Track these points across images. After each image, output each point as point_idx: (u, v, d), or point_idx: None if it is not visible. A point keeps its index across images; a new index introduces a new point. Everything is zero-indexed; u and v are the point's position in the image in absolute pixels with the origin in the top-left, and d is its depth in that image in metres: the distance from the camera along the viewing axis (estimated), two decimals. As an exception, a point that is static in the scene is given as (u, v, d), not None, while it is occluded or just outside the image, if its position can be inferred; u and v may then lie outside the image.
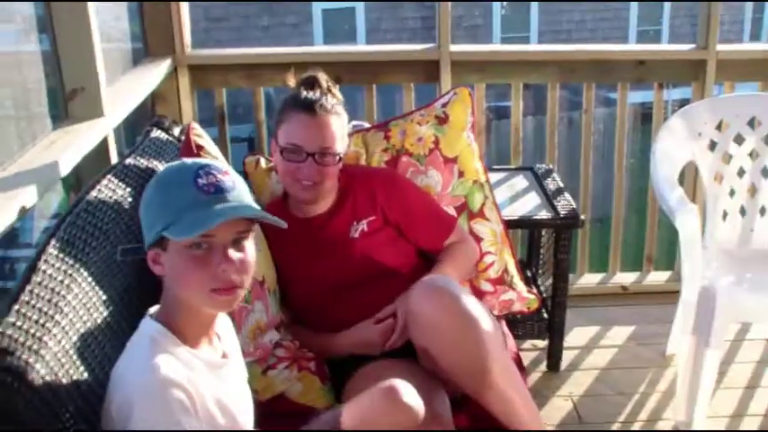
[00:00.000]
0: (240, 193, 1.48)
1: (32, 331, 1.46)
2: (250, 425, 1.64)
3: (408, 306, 2.00)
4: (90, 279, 1.69)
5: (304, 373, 2.18)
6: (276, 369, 2.14)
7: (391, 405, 1.59)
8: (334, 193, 2.33)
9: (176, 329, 1.50)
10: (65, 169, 2.23)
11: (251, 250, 1.50)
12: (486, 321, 1.96)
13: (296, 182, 2.24)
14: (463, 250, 2.39)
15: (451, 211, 2.55)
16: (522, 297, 2.62)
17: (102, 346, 1.65)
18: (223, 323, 1.68)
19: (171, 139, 2.50)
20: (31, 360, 1.40)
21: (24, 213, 1.98)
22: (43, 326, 1.49)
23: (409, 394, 1.62)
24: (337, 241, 2.28)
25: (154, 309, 1.55)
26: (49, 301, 1.55)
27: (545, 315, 2.98)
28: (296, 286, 2.31)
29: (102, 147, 2.59)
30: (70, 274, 1.65)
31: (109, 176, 2.02)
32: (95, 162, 2.51)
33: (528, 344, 3.25)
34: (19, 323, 1.45)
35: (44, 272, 1.60)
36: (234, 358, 1.65)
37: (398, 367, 2.07)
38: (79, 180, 2.55)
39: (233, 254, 1.45)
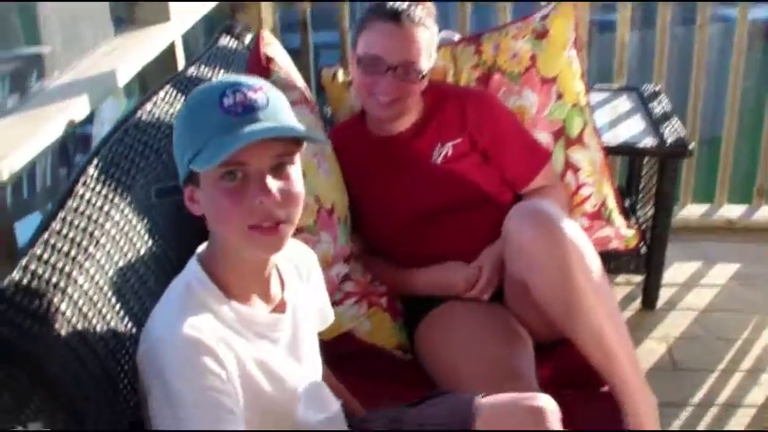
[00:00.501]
0: (276, 110, 1.24)
1: (61, 266, 1.30)
2: (312, 378, 1.44)
3: (505, 230, 1.80)
4: (134, 205, 1.52)
5: (374, 309, 2.00)
6: (343, 305, 1.97)
7: (534, 426, 1.38)
8: (417, 111, 2.11)
9: (220, 278, 1.30)
10: (123, 79, 2.06)
11: (297, 177, 1.26)
12: (588, 250, 1.76)
13: (371, 96, 2.02)
14: (554, 195, 2.14)
15: (547, 138, 2.28)
16: (620, 234, 2.37)
17: (145, 281, 1.49)
18: (301, 260, 1.49)
19: (241, 47, 2.29)
20: (56, 300, 1.24)
21: (73, 127, 1.82)
22: (74, 260, 1.33)
23: (555, 420, 1.39)
24: (419, 164, 2.06)
25: (203, 247, 1.36)
26: (84, 230, 1.39)
27: (643, 249, 2.71)
28: (371, 213, 2.11)
29: (169, 55, 2.41)
30: (111, 199, 1.48)
31: (167, 88, 1.84)
32: (163, 72, 2.33)
33: (621, 278, 2.99)
34: (47, 256, 1.29)
35: (81, 196, 1.44)
36: (302, 306, 1.44)
37: (479, 311, 1.87)
38: (146, 91, 2.38)
39: (272, 182, 1.22)
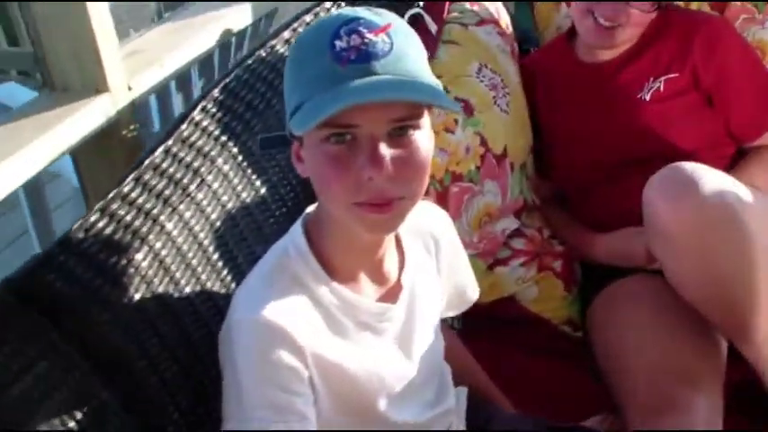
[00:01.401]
0: (402, 58, 0.96)
1: (150, 208, 1.14)
2: (424, 373, 1.19)
3: (642, 203, 1.43)
4: (250, 143, 1.33)
5: (545, 274, 1.73)
6: (508, 266, 1.71)
7: None
8: (634, 38, 1.75)
9: (324, 252, 1.08)
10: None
11: (422, 144, 0.99)
12: (758, 238, 1.36)
13: (587, 17, 1.69)
14: None
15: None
16: None
17: (260, 227, 1.31)
18: (430, 229, 1.23)
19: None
20: (135, 252, 1.09)
21: (228, 37, 1.67)
22: (167, 202, 1.17)
23: None
24: (622, 99, 1.72)
25: (313, 207, 1.13)
26: (189, 166, 1.23)
27: None
28: (558, 151, 1.81)
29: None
30: (233, 129, 1.31)
31: (326, 4, 1.61)
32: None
33: None
34: (135, 195, 1.13)
35: (197, 124, 1.27)
36: (423, 289, 1.19)
37: (664, 292, 1.55)
38: None
39: (385, 151, 0.96)
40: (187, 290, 1.16)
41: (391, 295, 1.14)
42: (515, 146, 1.73)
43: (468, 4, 1.81)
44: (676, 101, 1.70)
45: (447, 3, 1.79)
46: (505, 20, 1.90)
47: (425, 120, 1.00)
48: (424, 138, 1.00)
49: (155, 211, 1.15)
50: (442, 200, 1.60)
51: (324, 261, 1.07)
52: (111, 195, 1.10)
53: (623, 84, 1.73)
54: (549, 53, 1.94)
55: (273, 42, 1.45)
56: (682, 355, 1.46)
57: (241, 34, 1.77)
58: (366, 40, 0.95)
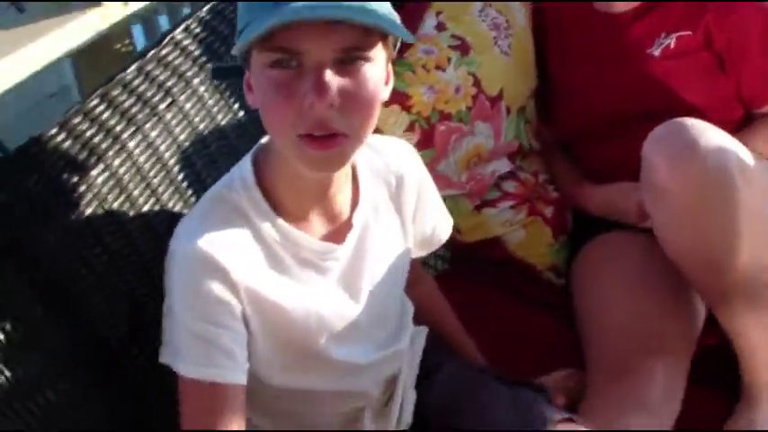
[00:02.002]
0: None
1: (113, 125, 1.16)
2: (373, 313, 1.17)
3: (642, 157, 1.40)
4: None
5: (534, 218, 1.71)
6: (496, 207, 1.69)
7: None
8: None
9: (273, 188, 1.06)
10: None
11: (370, 77, 0.96)
12: (750, 204, 1.33)
13: None
14: None
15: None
16: None
17: (214, 160, 1.31)
18: (393, 167, 1.20)
19: None
20: (91, 169, 1.11)
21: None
22: (131, 120, 1.18)
23: None
24: (631, 53, 1.67)
25: (266, 139, 1.11)
26: (161, 85, 1.24)
27: None
28: (565, 101, 1.77)
29: None
30: (214, 50, 1.32)
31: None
32: None
33: None
34: (99, 111, 1.16)
35: (177, 44, 1.29)
36: (377, 230, 1.16)
37: (650, 251, 1.52)
38: None
39: (331, 79, 0.93)
40: (145, 209, 1.18)
41: (339, 233, 1.11)
42: (514, 89, 1.69)
43: None
44: (686, 59, 1.64)
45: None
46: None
47: (378, 52, 0.97)
48: (374, 71, 0.97)
49: (117, 129, 1.16)
50: (428, 138, 1.58)
51: (269, 195, 1.06)
52: (72, 110, 1.12)
53: (635, 37, 1.67)
54: None
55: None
56: (649, 319, 1.45)
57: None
58: None
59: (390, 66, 1.04)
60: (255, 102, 1.01)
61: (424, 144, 1.57)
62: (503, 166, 1.69)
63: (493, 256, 1.69)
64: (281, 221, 1.06)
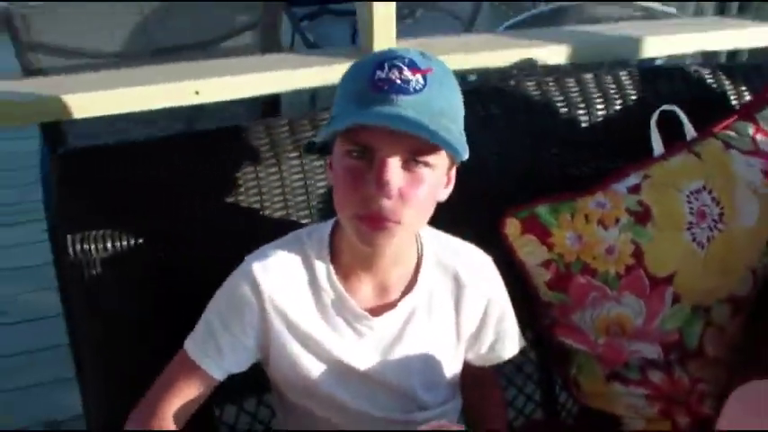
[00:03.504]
0: (426, 101, 1.11)
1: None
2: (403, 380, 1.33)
3: None
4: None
5: (664, 420, 1.59)
6: (628, 388, 1.60)
7: None
8: None
9: (338, 249, 1.28)
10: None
11: (428, 182, 1.15)
12: None
13: None
14: None
15: None
16: None
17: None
18: (465, 270, 1.34)
19: None
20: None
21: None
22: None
23: None
24: None
25: None
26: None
27: None
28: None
29: None
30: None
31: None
32: None
33: None
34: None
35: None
36: (427, 322, 1.32)
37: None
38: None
39: (396, 175, 1.11)
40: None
41: (381, 309, 1.29)
42: (694, 283, 1.57)
43: (752, 131, 1.64)
44: None
45: (732, 118, 1.65)
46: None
47: (440, 160, 1.15)
48: (432, 176, 1.15)
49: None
50: (563, 281, 1.56)
51: (334, 254, 1.28)
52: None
53: None
54: None
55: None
56: None
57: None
58: (402, 76, 1.11)
59: (453, 171, 1.22)
60: (331, 180, 1.22)
61: (556, 285, 1.57)
62: (650, 352, 1.58)
63: (601, 424, 1.63)
64: (334, 275, 1.27)
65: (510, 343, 1.43)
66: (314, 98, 3.02)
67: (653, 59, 2.10)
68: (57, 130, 2.01)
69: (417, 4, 3.23)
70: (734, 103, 1.76)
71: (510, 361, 1.75)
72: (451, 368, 1.38)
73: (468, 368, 1.43)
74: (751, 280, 1.62)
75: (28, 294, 2.87)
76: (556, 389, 1.77)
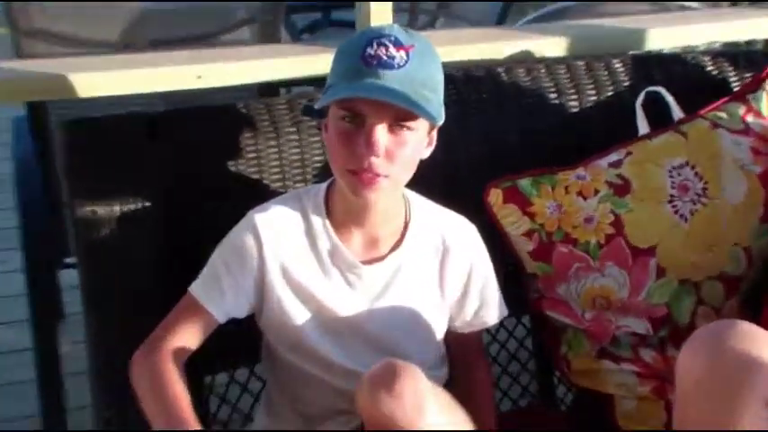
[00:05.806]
0: (408, 75, 1.27)
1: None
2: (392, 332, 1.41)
3: None
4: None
5: (657, 400, 1.56)
6: (620, 365, 1.58)
7: None
8: None
9: (332, 203, 1.41)
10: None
11: (411, 143, 1.30)
12: None
13: None
14: None
15: None
16: None
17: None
18: (451, 236, 1.44)
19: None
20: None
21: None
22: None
23: None
24: None
25: None
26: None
27: None
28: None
29: None
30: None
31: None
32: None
33: None
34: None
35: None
36: (411, 276, 1.42)
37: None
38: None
39: (382, 137, 1.27)
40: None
41: (370, 261, 1.40)
42: (678, 256, 1.56)
43: (742, 111, 1.64)
44: None
45: (723, 100, 1.66)
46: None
47: (420, 124, 1.30)
48: (414, 138, 1.30)
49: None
50: (544, 251, 1.58)
51: (329, 207, 1.41)
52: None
53: None
54: None
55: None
56: None
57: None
58: (388, 52, 1.28)
59: (435, 132, 1.36)
60: (326, 140, 1.38)
61: (539, 256, 1.59)
62: (639, 327, 1.57)
63: (594, 410, 1.60)
64: (329, 225, 1.40)
65: (494, 309, 1.51)
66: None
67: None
68: (42, 109, 2.08)
69: (437, 12, 3.28)
70: (732, 88, 1.78)
71: (505, 350, 1.78)
72: (435, 328, 1.45)
73: (455, 338, 1.50)
74: (744, 259, 1.61)
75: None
76: (553, 380, 1.76)
